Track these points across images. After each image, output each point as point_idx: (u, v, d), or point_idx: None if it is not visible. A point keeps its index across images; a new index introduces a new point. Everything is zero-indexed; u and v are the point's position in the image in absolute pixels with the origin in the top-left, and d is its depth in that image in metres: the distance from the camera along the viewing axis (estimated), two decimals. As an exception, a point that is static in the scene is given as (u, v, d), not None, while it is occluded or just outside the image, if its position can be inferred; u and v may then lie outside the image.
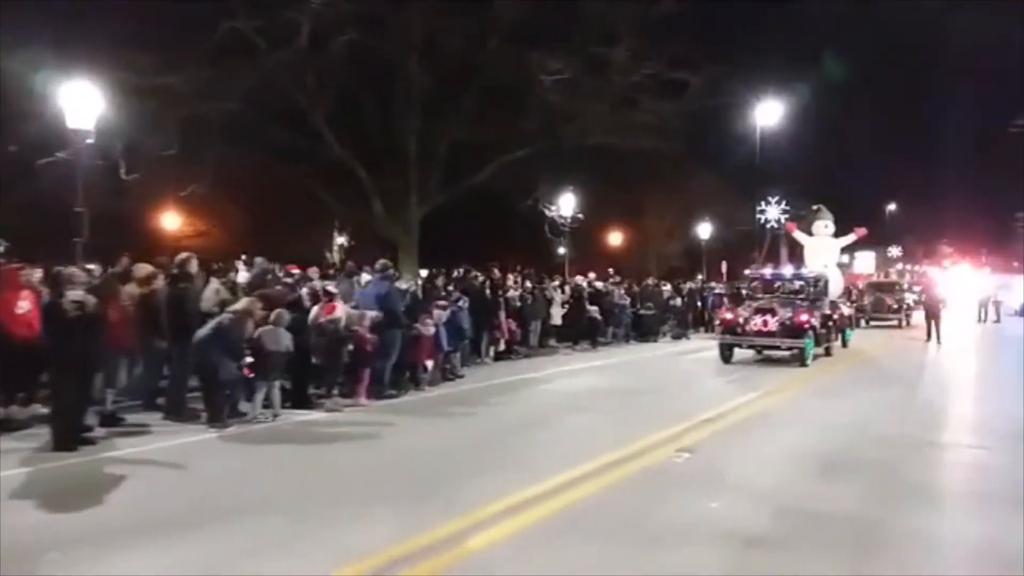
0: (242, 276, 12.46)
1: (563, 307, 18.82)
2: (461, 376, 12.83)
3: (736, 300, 22.80)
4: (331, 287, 10.53)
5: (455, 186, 19.10)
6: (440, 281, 16.18)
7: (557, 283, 19.28)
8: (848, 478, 6.62)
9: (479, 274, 17.01)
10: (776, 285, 17.29)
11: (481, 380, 12.54)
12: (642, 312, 21.46)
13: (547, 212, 25.77)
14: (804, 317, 15.01)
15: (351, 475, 6.62)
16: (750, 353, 16.14)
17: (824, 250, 20.50)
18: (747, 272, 18.21)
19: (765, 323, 15.06)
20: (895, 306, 27.15)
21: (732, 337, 15.47)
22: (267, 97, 15.18)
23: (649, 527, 5.20)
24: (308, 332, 9.61)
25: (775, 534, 5.10)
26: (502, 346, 16.29)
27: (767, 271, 18.61)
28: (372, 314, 10.01)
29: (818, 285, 16.69)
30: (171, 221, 33.11)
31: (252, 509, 5.54)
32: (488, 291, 16.17)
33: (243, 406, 8.89)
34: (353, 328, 9.58)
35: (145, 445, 7.58)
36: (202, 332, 8.35)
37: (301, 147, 16.44)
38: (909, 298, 29.02)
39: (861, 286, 31.04)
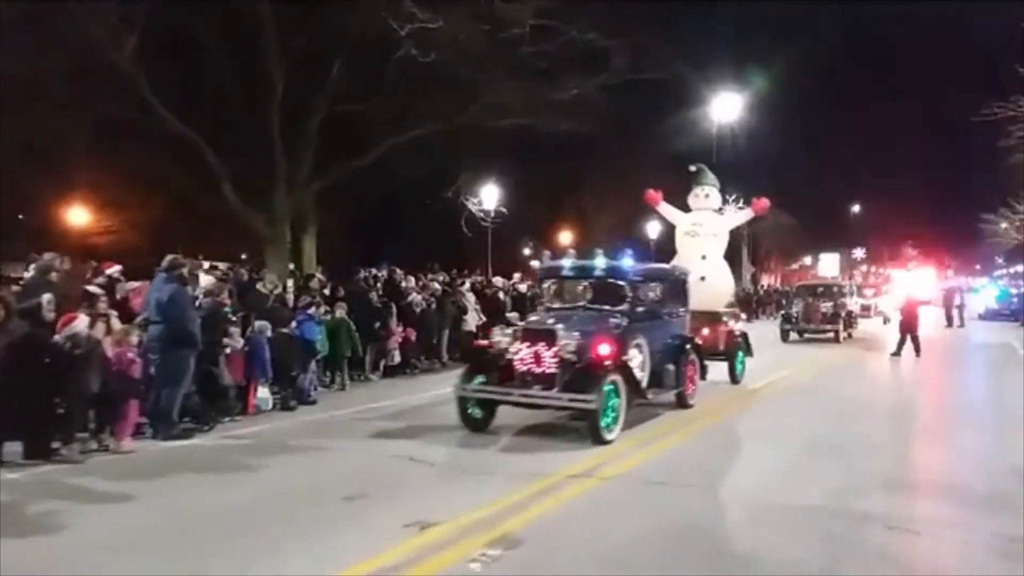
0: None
1: (481, 314, 16.43)
2: (311, 402, 10.35)
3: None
4: (94, 288, 7.98)
5: (338, 169, 16.41)
6: (316, 283, 13.78)
7: (469, 285, 16.80)
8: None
9: (376, 274, 14.60)
10: (580, 288, 9.69)
11: (330, 409, 10.01)
12: (573, 318, 19.06)
13: (469, 206, 23.30)
14: (605, 349, 8.09)
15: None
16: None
17: (704, 232, 13.72)
18: (535, 264, 10.54)
19: (537, 358, 8.24)
20: (829, 314, 21.25)
21: (482, 389, 8.47)
22: (71, 53, 12.35)
23: None
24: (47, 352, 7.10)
25: None
26: (396, 359, 13.88)
27: (566, 263, 10.95)
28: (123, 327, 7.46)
29: (661, 285, 9.96)
30: (78, 217, 30.32)
31: None
32: (377, 295, 13.80)
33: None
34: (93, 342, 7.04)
35: None
36: None
37: (130, 120, 13.67)
38: (851, 303, 23.73)
39: (791, 289, 27.30)
